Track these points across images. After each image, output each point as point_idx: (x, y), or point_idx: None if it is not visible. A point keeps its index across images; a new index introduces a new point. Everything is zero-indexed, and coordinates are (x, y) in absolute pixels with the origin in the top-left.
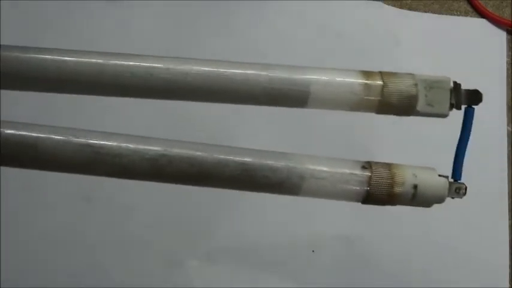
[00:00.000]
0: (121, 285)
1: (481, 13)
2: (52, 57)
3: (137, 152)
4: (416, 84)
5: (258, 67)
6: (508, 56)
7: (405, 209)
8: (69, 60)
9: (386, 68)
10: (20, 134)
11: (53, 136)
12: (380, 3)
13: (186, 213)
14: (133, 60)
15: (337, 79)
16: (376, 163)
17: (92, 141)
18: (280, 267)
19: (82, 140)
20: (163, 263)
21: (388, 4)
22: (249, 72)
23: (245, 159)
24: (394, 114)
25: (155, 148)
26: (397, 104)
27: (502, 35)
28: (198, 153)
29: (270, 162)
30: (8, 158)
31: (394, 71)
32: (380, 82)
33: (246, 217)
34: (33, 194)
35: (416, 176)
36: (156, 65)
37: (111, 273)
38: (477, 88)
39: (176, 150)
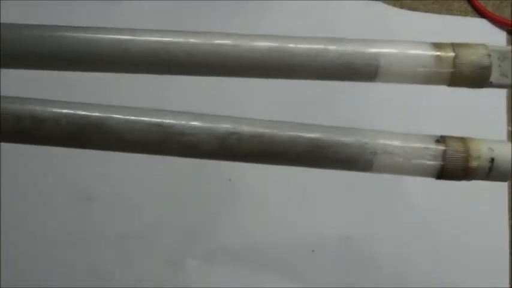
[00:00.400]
0: (121, 285)
1: (481, 13)
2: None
3: (206, 130)
4: (489, 55)
5: (326, 41)
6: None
7: (405, 209)
8: (144, 40)
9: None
10: (86, 114)
11: (120, 116)
12: (380, 3)
13: (186, 213)
14: (199, 37)
15: (408, 51)
16: (450, 137)
17: (160, 120)
18: (280, 267)
19: (150, 119)
20: (163, 263)
21: (388, 4)
22: (317, 46)
23: (316, 135)
24: (466, 87)
25: (224, 126)
26: (470, 75)
27: (502, 35)
28: (268, 130)
29: (341, 137)
30: (75, 139)
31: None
32: (452, 53)
33: (246, 217)
34: (34, 194)
35: (492, 150)
36: (224, 41)
37: (111, 273)
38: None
39: (245, 128)
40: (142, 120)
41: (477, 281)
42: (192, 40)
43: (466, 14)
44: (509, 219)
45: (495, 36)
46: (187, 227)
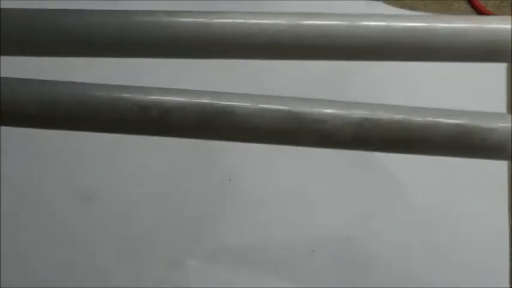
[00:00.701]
0: (121, 285)
1: (481, 13)
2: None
3: (340, 117)
4: None
5: (463, 19)
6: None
7: (405, 209)
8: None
9: (384, 67)
10: (212, 103)
11: (248, 104)
12: (380, 3)
13: (186, 213)
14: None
15: None
16: None
17: (291, 107)
18: (280, 267)
19: (281, 107)
20: (163, 263)
21: (389, 4)
22: (456, 25)
23: (459, 121)
24: None
25: (359, 112)
26: None
27: None
28: (405, 116)
29: (488, 123)
30: (203, 129)
31: (394, 70)
32: None
33: (246, 217)
34: (34, 193)
35: None
36: (352, 22)
37: (111, 273)
38: (477, 88)
39: (381, 114)
40: (274, 108)
41: (477, 281)
42: (323, 22)
43: (466, 14)
44: (509, 219)
45: None
46: (187, 227)
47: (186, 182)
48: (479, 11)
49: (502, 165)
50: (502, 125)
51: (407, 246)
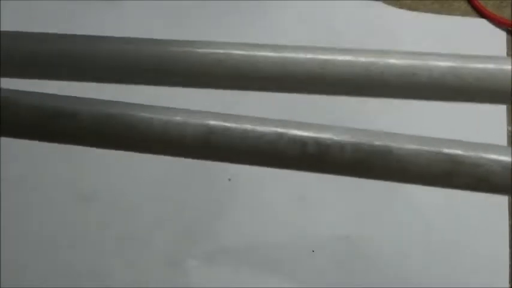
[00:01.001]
0: (121, 285)
1: (481, 13)
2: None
3: (496, 162)
4: None
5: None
6: (508, 56)
7: (405, 209)
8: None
9: None
10: (374, 142)
11: (407, 145)
12: (380, 3)
13: (186, 213)
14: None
15: None
16: None
17: (448, 150)
18: (280, 267)
19: (439, 149)
20: (163, 263)
21: (388, 4)
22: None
23: None
24: None
25: None
26: None
27: (502, 35)
28: None
29: None
30: (357, 167)
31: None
32: None
33: (246, 217)
34: (34, 194)
35: None
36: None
37: (111, 273)
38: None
39: None
40: (430, 150)
41: (477, 281)
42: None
43: (466, 14)
44: (509, 219)
45: (495, 36)
46: (187, 227)
47: (185, 182)
48: (479, 11)
49: None
50: None
51: (407, 246)
